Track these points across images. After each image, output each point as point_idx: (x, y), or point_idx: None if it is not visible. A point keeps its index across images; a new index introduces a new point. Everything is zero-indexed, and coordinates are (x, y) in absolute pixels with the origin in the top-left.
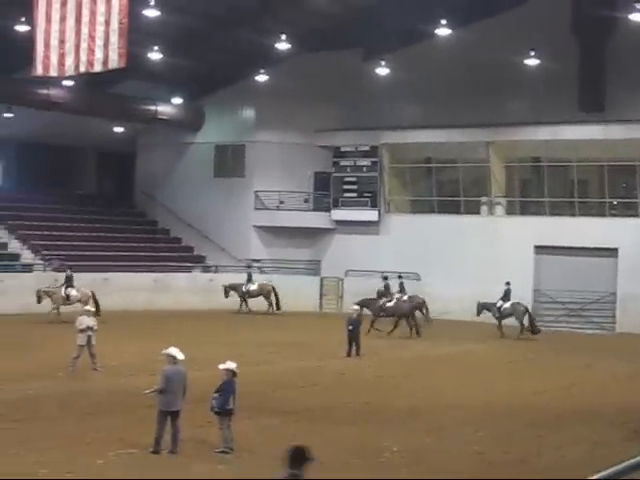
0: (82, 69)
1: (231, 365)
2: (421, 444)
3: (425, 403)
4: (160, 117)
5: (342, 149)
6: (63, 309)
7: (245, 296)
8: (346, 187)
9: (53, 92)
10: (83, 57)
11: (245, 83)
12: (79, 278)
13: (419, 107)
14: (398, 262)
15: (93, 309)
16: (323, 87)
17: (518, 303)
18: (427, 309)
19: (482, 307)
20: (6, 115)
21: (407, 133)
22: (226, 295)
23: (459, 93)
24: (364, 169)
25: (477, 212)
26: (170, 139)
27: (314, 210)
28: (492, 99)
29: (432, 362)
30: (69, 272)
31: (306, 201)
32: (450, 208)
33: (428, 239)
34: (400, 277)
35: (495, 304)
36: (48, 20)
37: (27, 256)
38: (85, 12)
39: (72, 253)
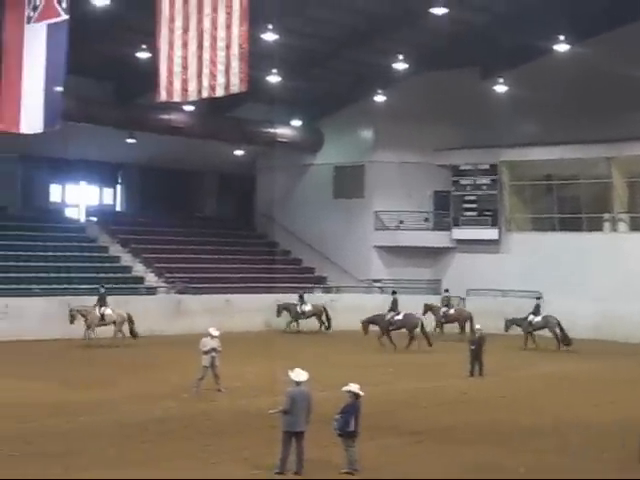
0: (204, 94)
1: (353, 387)
2: (547, 464)
3: (550, 422)
4: (279, 139)
5: (461, 167)
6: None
7: (299, 317)
8: (466, 206)
9: (174, 117)
10: (205, 82)
11: (363, 104)
12: (197, 300)
13: (538, 124)
14: (519, 280)
15: (216, 333)
16: (441, 106)
17: (550, 316)
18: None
19: (511, 323)
20: (129, 141)
21: (526, 150)
22: (278, 314)
23: (578, 109)
24: (484, 187)
25: (599, 229)
26: (289, 161)
27: (434, 229)
28: (612, 114)
29: (557, 380)
30: (102, 290)
31: (426, 220)
32: (572, 225)
33: (550, 257)
34: (446, 291)
35: (526, 318)
36: (171, 47)
37: (151, 279)
38: (206, 38)
39: (194, 275)
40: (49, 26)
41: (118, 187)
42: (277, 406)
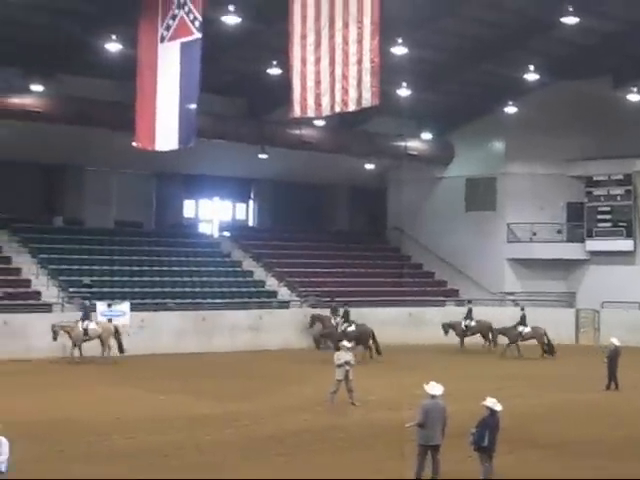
0: (337, 109)
1: (489, 402)
2: None
3: None
4: (410, 153)
5: (595, 178)
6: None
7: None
8: (600, 217)
9: (305, 132)
10: (338, 97)
11: (494, 115)
12: (326, 313)
13: None
14: None
15: (349, 345)
16: (573, 116)
17: (538, 327)
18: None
19: (498, 332)
20: (261, 156)
21: None
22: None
23: None
24: (618, 198)
25: None
26: (420, 174)
27: (567, 241)
28: None
29: None
30: (87, 304)
31: (559, 232)
32: None
33: None
34: (469, 302)
35: (515, 328)
36: (303, 63)
37: (284, 293)
38: (338, 53)
39: (327, 289)
40: (182, 44)
41: (250, 202)
42: (412, 420)
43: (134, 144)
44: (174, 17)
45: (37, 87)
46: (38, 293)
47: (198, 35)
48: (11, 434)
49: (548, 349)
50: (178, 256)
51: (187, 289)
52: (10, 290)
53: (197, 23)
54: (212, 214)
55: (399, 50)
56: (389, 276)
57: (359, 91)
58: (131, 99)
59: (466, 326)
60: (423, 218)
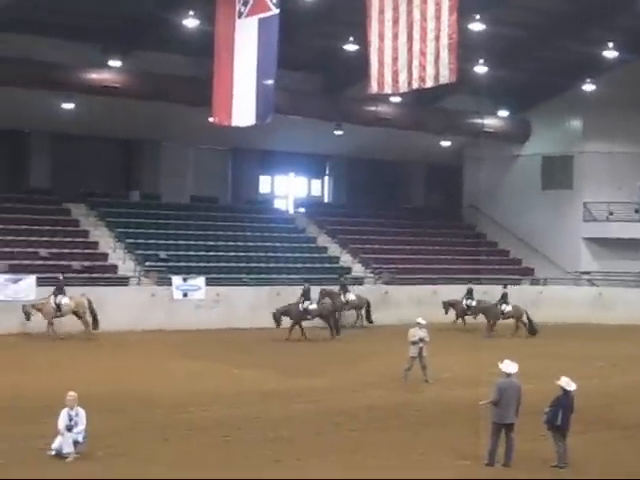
0: (415, 85)
1: (563, 382)
2: None
3: None
4: (486, 130)
5: None
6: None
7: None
8: None
9: (381, 108)
10: (415, 73)
11: (571, 93)
12: (404, 291)
13: None
14: None
15: (424, 322)
16: None
17: (518, 306)
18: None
19: (478, 310)
20: (336, 132)
21: None
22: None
23: None
24: None
25: None
26: (496, 152)
27: None
28: None
29: None
30: (61, 278)
31: (637, 212)
32: None
33: None
34: (470, 281)
35: (496, 305)
36: (381, 38)
37: (358, 269)
38: (416, 29)
39: (401, 266)
40: (260, 20)
41: (326, 178)
42: (485, 398)
43: (211, 120)
44: None
45: (115, 63)
46: (115, 267)
47: (276, 11)
48: (88, 406)
49: (529, 329)
50: (253, 231)
51: (262, 264)
52: (87, 263)
53: None
54: (287, 190)
55: (476, 27)
56: (464, 254)
57: (437, 68)
58: (208, 75)
59: (467, 305)
60: (499, 196)
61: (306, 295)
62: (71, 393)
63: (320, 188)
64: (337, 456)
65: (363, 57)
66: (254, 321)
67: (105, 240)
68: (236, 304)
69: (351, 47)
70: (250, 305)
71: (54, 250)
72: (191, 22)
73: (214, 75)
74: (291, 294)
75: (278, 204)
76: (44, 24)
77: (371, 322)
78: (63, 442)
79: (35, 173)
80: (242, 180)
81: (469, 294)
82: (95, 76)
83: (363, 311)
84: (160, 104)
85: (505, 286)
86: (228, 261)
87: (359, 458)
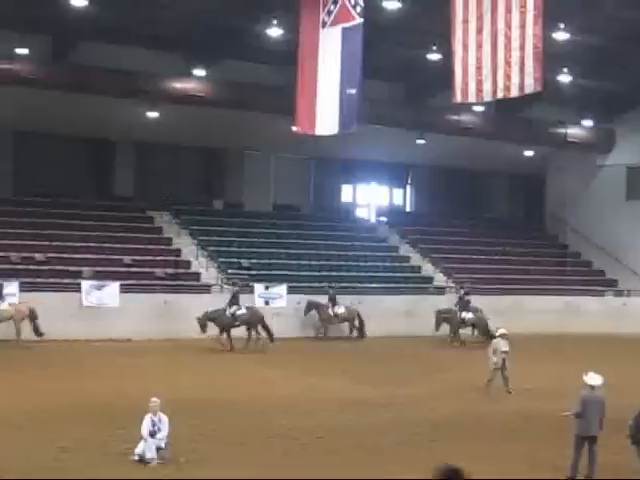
0: (499, 95)
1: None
2: None
3: None
4: (570, 140)
5: None
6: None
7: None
8: None
9: (464, 117)
10: (500, 83)
11: None
12: (485, 301)
13: None
14: None
15: (505, 332)
16: None
17: (481, 311)
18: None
19: (442, 319)
20: (418, 141)
21: None
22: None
23: None
24: None
25: None
26: (580, 161)
27: None
28: None
29: None
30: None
31: None
32: None
33: None
34: (462, 288)
35: (455, 313)
36: (465, 48)
37: (439, 279)
38: (500, 38)
39: (482, 276)
40: (344, 30)
41: (407, 187)
42: (568, 410)
43: (294, 129)
44: (335, 2)
45: (200, 72)
46: (197, 274)
47: (359, 20)
48: (170, 412)
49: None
50: (335, 240)
51: (343, 273)
52: (170, 271)
53: (358, 8)
54: (369, 199)
55: (561, 36)
56: (546, 264)
57: (522, 77)
58: (291, 84)
59: (463, 318)
60: (582, 206)
61: (234, 300)
62: (154, 399)
63: (402, 197)
64: (417, 466)
65: (446, 66)
66: (336, 330)
67: (188, 248)
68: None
69: (434, 56)
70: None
71: (137, 257)
72: (275, 31)
73: (298, 84)
74: (374, 303)
75: (360, 213)
76: (130, 34)
77: (362, 336)
78: (146, 448)
79: (120, 181)
80: (324, 189)
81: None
82: (179, 85)
83: (356, 323)
84: (244, 113)
85: (467, 293)
86: (310, 270)
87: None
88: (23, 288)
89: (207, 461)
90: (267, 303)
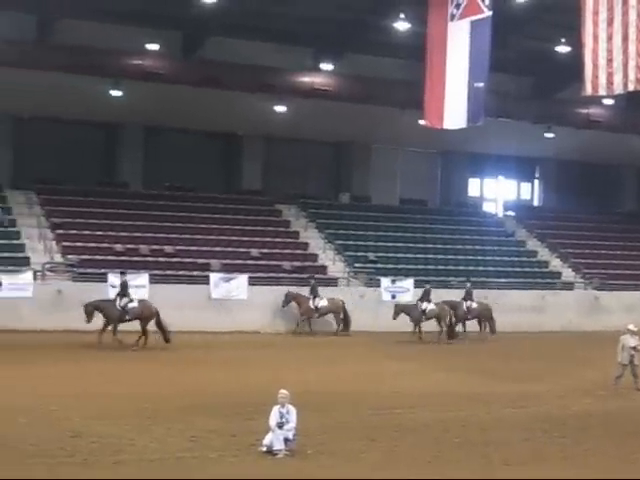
0: (630, 87)
1: None
2: None
3: None
4: None
5: None
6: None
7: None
8: None
9: (593, 111)
10: (631, 75)
11: None
12: (614, 297)
13: None
14: None
15: (635, 328)
16: None
17: (444, 303)
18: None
19: (400, 310)
20: (547, 135)
21: None
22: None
23: None
24: None
25: None
26: None
27: None
28: None
29: None
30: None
31: None
32: None
33: None
34: (468, 280)
35: (416, 306)
36: (595, 40)
37: (567, 274)
38: (632, 30)
39: (612, 272)
40: (472, 23)
41: (535, 181)
42: None
43: (422, 122)
44: None
45: (327, 66)
46: (324, 267)
47: (488, 13)
48: (298, 404)
49: (448, 332)
50: (462, 235)
51: (470, 267)
52: (298, 264)
53: (487, 1)
54: (496, 193)
55: None
56: None
57: None
58: (418, 78)
59: (467, 308)
60: None
61: (123, 290)
62: (283, 391)
63: (529, 191)
64: (544, 463)
65: (575, 59)
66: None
67: (315, 241)
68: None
69: (563, 49)
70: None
71: (265, 250)
72: (402, 25)
73: (426, 78)
74: (501, 297)
75: (487, 207)
76: (258, 29)
77: (347, 331)
78: (274, 439)
79: (248, 175)
80: (451, 183)
81: (468, 295)
82: (307, 79)
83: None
84: (370, 107)
85: (427, 282)
86: (436, 264)
87: (566, 466)
88: (153, 280)
89: (334, 453)
90: (394, 297)
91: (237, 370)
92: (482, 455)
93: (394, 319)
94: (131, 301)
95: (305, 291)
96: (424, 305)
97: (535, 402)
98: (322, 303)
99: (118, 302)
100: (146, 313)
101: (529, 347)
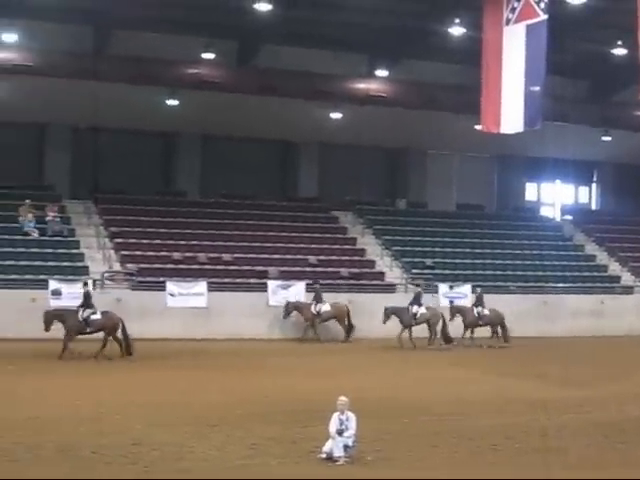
0: None
1: None
2: None
3: None
4: None
5: None
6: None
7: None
8: None
9: None
10: None
11: None
12: None
13: None
14: None
15: None
16: None
17: (435, 309)
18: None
19: (391, 313)
20: (604, 138)
21: None
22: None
23: None
24: None
25: None
26: None
27: None
28: None
29: None
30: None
31: None
32: None
33: None
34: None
35: (406, 309)
36: None
37: (627, 278)
38: None
39: None
40: (528, 26)
41: (593, 185)
42: None
43: (478, 127)
44: None
45: (382, 72)
46: (382, 274)
47: (544, 17)
48: (357, 411)
49: (443, 336)
50: (519, 239)
51: (528, 272)
52: (355, 270)
53: (542, 4)
54: (554, 197)
55: None
56: None
57: None
58: (474, 82)
59: (478, 314)
60: None
61: (87, 301)
62: (342, 398)
63: (587, 195)
64: (605, 469)
65: (632, 61)
66: (519, 329)
67: (372, 247)
68: (504, 312)
69: (619, 51)
70: (516, 313)
71: (322, 257)
72: (457, 30)
73: (482, 82)
74: (559, 302)
75: (544, 212)
76: (312, 36)
77: (349, 338)
78: (334, 446)
79: (304, 182)
80: (508, 187)
81: (479, 301)
82: (362, 86)
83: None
84: (426, 112)
85: (418, 285)
86: (494, 269)
87: (626, 472)
88: (211, 288)
89: (394, 460)
90: (452, 302)
91: (294, 377)
92: (543, 461)
93: (384, 323)
94: (94, 313)
95: (363, 298)
96: (415, 309)
97: (597, 407)
98: (324, 308)
99: (81, 313)
100: (109, 324)
101: (588, 352)
